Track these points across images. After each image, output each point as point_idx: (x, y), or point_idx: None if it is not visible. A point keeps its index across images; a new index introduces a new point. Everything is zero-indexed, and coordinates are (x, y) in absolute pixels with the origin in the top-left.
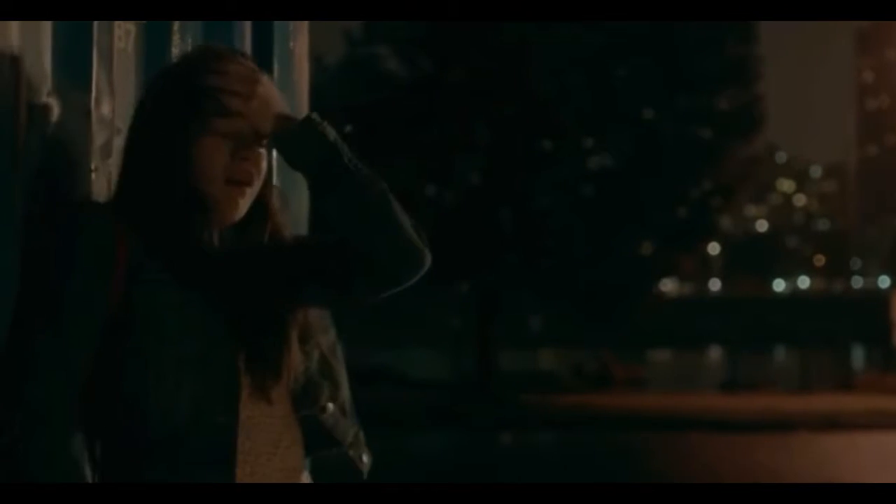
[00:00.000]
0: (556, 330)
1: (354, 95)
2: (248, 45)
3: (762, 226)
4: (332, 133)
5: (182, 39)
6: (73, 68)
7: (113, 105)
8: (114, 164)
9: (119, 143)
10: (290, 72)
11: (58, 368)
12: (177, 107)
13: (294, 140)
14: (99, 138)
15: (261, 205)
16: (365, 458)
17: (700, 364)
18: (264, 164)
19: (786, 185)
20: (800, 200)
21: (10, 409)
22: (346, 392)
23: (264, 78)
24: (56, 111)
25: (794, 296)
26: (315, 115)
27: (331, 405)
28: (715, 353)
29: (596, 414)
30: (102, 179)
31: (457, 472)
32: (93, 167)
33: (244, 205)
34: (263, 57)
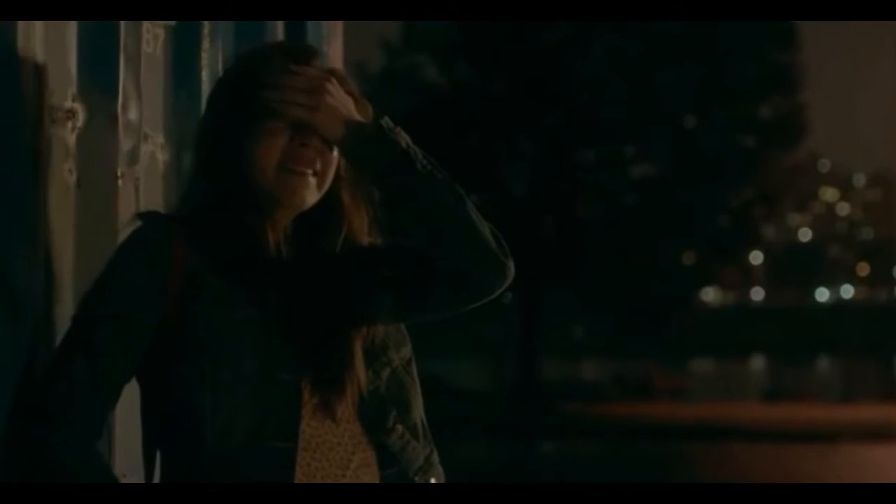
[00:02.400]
0: (598, 339)
1: (396, 105)
2: None
3: (805, 235)
4: (404, 139)
5: (212, 44)
6: (99, 72)
7: (140, 110)
8: (141, 170)
9: (147, 148)
10: None
11: (89, 381)
12: (235, 106)
13: (364, 147)
14: (126, 144)
15: (332, 203)
16: (434, 480)
17: (742, 374)
18: (331, 156)
19: (829, 193)
20: (843, 209)
21: (41, 417)
22: (418, 413)
23: (331, 85)
24: (81, 116)
25: (838, 305)
26: (386, 121)
27: (399, 427)
28: (757, 362)
29: (638, 424)
30: (129, 186)
31: (498, 480)
32: (119, 173)
33: (309, 196)
34: None
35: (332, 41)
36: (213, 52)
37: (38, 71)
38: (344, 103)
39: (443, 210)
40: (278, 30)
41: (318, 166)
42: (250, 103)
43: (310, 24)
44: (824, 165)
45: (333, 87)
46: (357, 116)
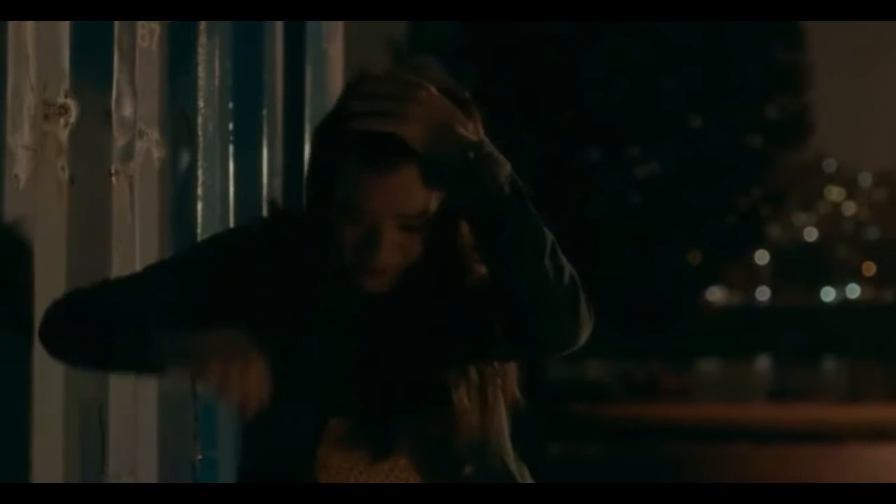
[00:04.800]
0: (604, 339)
1: None
2: (279, 47)
3: (811, 234)
4: (505, 171)
5: (209, 39)
6: (93, 67)
7: (135, 106)
8: (136, 167)
9: (142, 145)
10: (324, 75)
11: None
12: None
13: (457, 169)
14: (120, 140)
15: (440, 240)
16: None
17: (748, 374)
18: (431, 196)
19: (835, 193)
20: (849, 209)
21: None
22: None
23: (427, 92)
24: (74, 112)
25: (844, 305)
26: (486, 143)
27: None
28: (763, 362)
29: (644, 424)
30: (124, 183)
31: None
32: (113, 171)
33: (408, 244)
34: (295, 59)
35: (333, 40)
36: (210, 47)
37: (30, 66)
38: (443, 113)
39: (521, 263)
40: (277, 27)
41: (395, 259)
42: (337, 136)
43: (309, 23)
44: (830, 165)
45: (429, 95)
46: (460, 130)
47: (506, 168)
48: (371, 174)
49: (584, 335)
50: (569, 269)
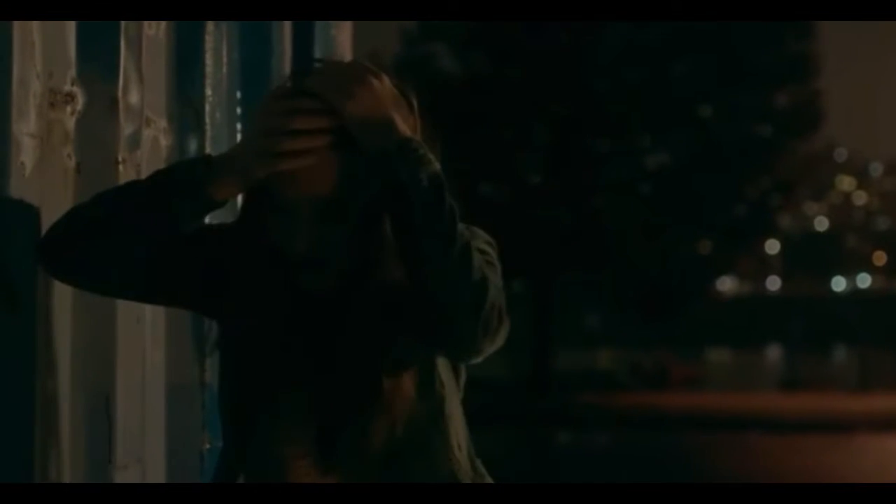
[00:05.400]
0: (614, 329)
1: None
2: (287, 32)
3: (822, 224)
4: (428, 171)
5: (216, 26)
6: (99, 55)
7: (142, 94)
8: (143, 155)
9: (149, 133)
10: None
11: None
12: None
13: (381, 155)
14: (127, 128)
15: (365, 234)
16: None
17: (759, 363)
18: (353, 187)
19: (846, 182)
20: (860, 198)
21: None
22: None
23: (379, 81)
24: (81, 100)
25: (855, 294)
26: (416, 141)
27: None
28: (774, 352)
29: (654, 413)
30: (131, 171)
31: (514, 472)
32: (120, 159)
33: (334, 235)
34: (304, 44)
35: (342, 27)
36: (218, 34)
37: (36, 53)
38: (387, 102)
39: (427, 263)
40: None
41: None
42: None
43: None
44: (841, 154)
45: (380, 84)
46: (398, 122)
47: (430, 167)
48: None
49: (489, 345)
50: (479, 276)
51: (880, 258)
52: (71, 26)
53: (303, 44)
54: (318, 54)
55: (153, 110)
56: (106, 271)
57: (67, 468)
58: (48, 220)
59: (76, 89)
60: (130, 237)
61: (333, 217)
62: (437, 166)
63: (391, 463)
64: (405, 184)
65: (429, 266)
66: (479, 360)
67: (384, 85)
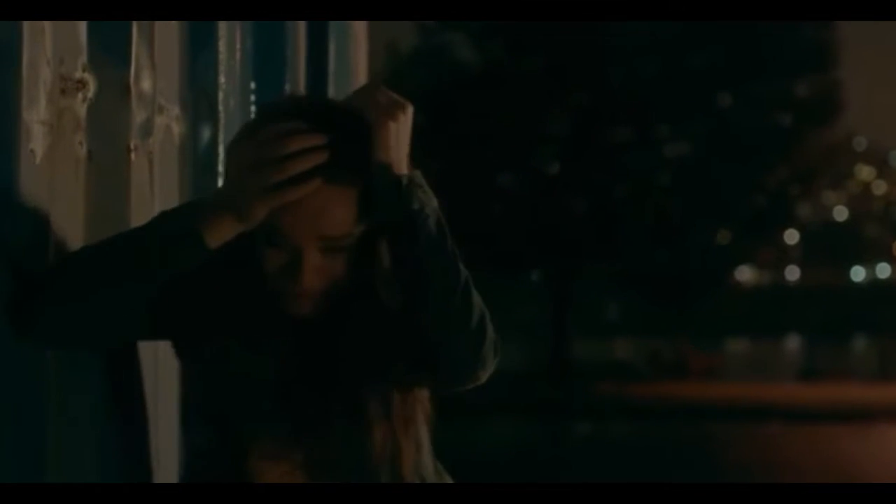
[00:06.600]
0: (632, 319)
1: (428, 83)
2: (302, 21)
3: (841, 213)
4: (421, 200)
5: None
6: (110, 40)
7: (154, 80)
8: (155, 142)
9: (162, 120)
10: (346, 47)
11: None
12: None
13: (387, 193)
14: (139, 115)
15: (360, 264)
16: None
17: (778, 353)
18: (353, 218)
19: (865, 171)
20: (880, 188)
21: None
22: (407, 471)
23: (405, 115)
24: (92, 87)
25: (874, 284)
26: (416, 175)
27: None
28: (793, 342)
29: (672, 403)
30: (143, 159)
31: (532, 461)
32: (132, 146)
33: (331, 266)
34: (319, 31)
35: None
36: (231, 22)
37: (46, 39)
38: (408, 132)
39: (431, 296)
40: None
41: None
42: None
43: None
44: (860, 144)
45: (407, 113)
46: (401, 154)
47: (433, 202)
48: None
49: (485, 375)
50: (479, 308)
51: None
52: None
53: (317, 32)
54: (332, 43)
55: (166, 97)
56: (97, 337)
57: (80, 464)
58: (58, 208)
59: (87, 76)
60: (119, 302)
61: (335, 249)
62: (436, 201)
63: (362, 471)
64: (408, 217)
65: (431, 303)
66: (471, 386)
67: (409, 115)
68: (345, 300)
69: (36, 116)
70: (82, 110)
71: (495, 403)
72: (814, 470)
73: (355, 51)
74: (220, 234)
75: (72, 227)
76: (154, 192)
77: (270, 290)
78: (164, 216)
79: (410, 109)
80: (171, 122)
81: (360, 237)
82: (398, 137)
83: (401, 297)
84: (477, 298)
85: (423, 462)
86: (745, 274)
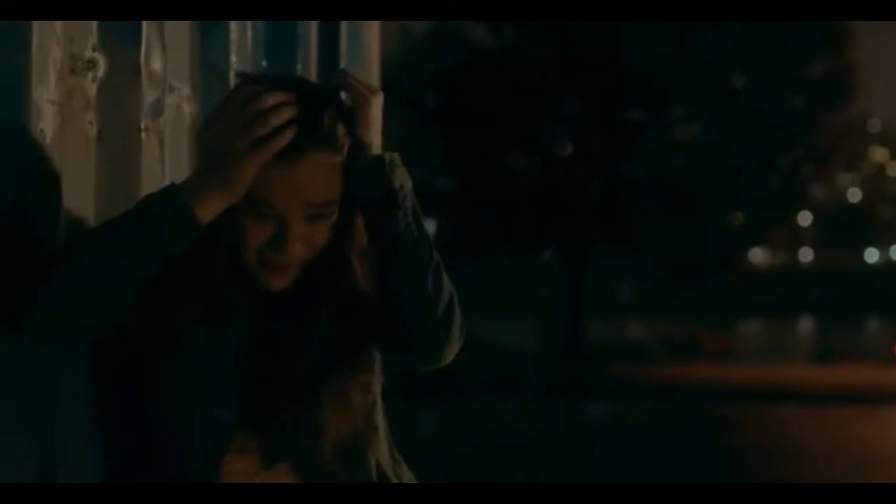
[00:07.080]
0: (646, 300)
1: (441, 65)
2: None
3: (854, 195)
4: (399, 181)
5: None
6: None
7: (165, 60)
8: (166, 122)
9: (172, 100)
10: (359, 27)
11: None
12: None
13: (368, 171)
14: (149, 95)
15: (335, 239)
16: None
17: (791, 335)
18: (335, 188)
19: (879, 153)
20: (893, 170)
21: None
22: (373, 459)
23: (378, 99)
24: (102, 66)
25: (887, 266)
26: (391, 156)
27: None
28: (806, 324)
29: (686, 385)
30: (153, 139)
31: (545, 442)
32: (142, 126)
33: (312, 236)
34: None
35: None
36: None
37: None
38: (380, 122)
39: (405, 271)
40: None
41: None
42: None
43: None
44: (874, 125)
45: (379, 102)
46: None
47: (409, 183)
48: (279, 166)
49: (451, 354)
50: (448, 289)
51: None
52: None
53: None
54: (344, 22)
55: (176, 77)
56: (92, 322)
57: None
58: (69, 187)
59: (97, 55)
60: (111, 287)
61: (318, 216)
62: (411, 184)
63: (332, 457)
64: (388, 195)
65: (403, 280)
66: (436, 366)
67: (381, 100)
68: (321, 277)
69: (46, 96)
70: (92, 90)
71: (508, 383)
72: (826, 452)
73: (368, 30)
74: (210, 206)
75: (82, 208)
76: (164, 172)
77: (251, 265)
78: (149, 199)
79: (381, 95)
80: (181, 101)
81: (339, 214)
82: (377, 118)
83: (375, 274)
84: (446, 279)
85: (380, 447)
86: (758, 255)
